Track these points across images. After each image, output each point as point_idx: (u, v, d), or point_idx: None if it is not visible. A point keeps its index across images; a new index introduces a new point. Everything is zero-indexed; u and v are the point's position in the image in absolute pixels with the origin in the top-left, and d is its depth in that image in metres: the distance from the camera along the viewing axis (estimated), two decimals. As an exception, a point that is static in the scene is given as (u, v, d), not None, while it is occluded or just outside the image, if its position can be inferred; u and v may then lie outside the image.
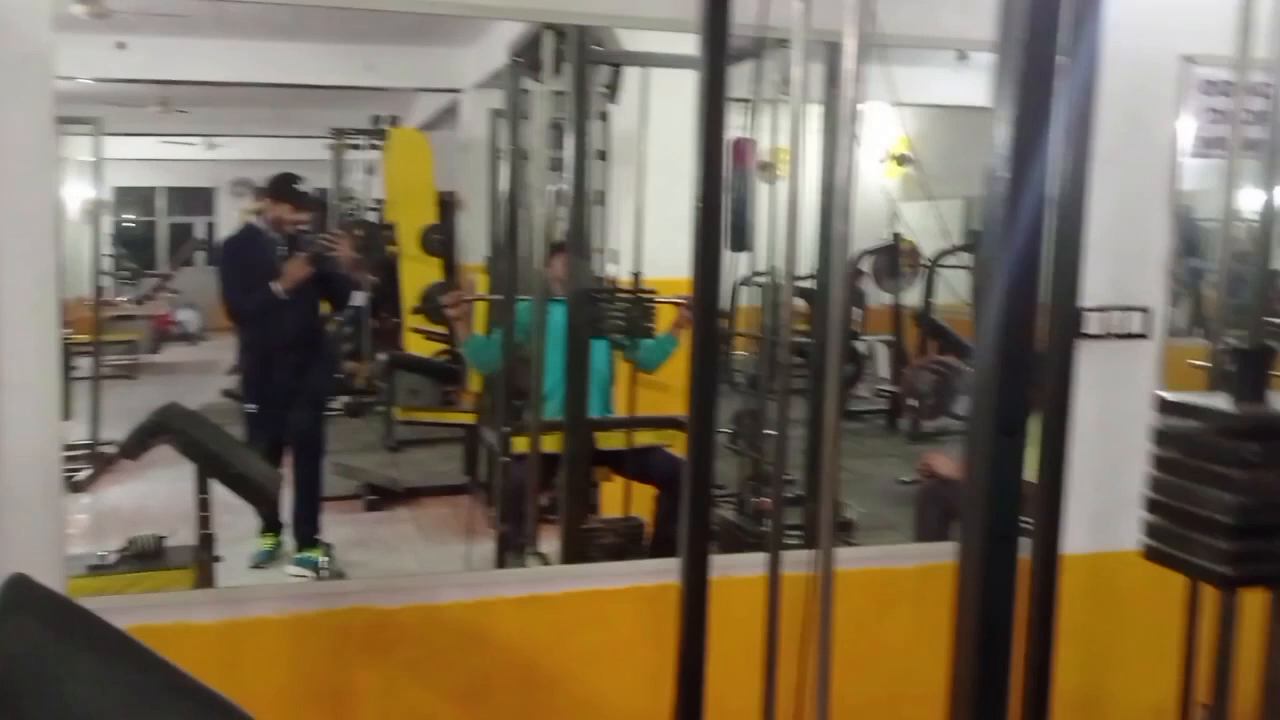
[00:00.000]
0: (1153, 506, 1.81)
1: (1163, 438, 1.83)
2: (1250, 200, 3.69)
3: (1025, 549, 2.29)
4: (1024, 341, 1.17)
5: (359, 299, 6.73)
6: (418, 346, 6.09)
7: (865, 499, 5.61)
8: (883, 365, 8.78)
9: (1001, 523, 1.21)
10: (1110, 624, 3.33)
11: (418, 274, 6.17)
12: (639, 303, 3.68)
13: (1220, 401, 1.82)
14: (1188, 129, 3.15)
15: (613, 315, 3.64)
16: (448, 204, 6.58)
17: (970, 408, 1.23)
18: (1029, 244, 1.14)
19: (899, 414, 7.78)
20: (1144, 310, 3.18)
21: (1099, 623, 3.31)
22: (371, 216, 7.74)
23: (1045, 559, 2.30)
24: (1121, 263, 3.13)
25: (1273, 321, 4.50)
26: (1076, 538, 3.08)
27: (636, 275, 3.83)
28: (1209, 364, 3.10)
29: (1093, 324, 3.12)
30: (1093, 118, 2.10)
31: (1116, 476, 3.29)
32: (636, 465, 4.01)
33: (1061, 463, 2.26)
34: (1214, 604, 2.67)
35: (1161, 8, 3.01)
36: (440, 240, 6.15)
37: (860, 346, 8.50)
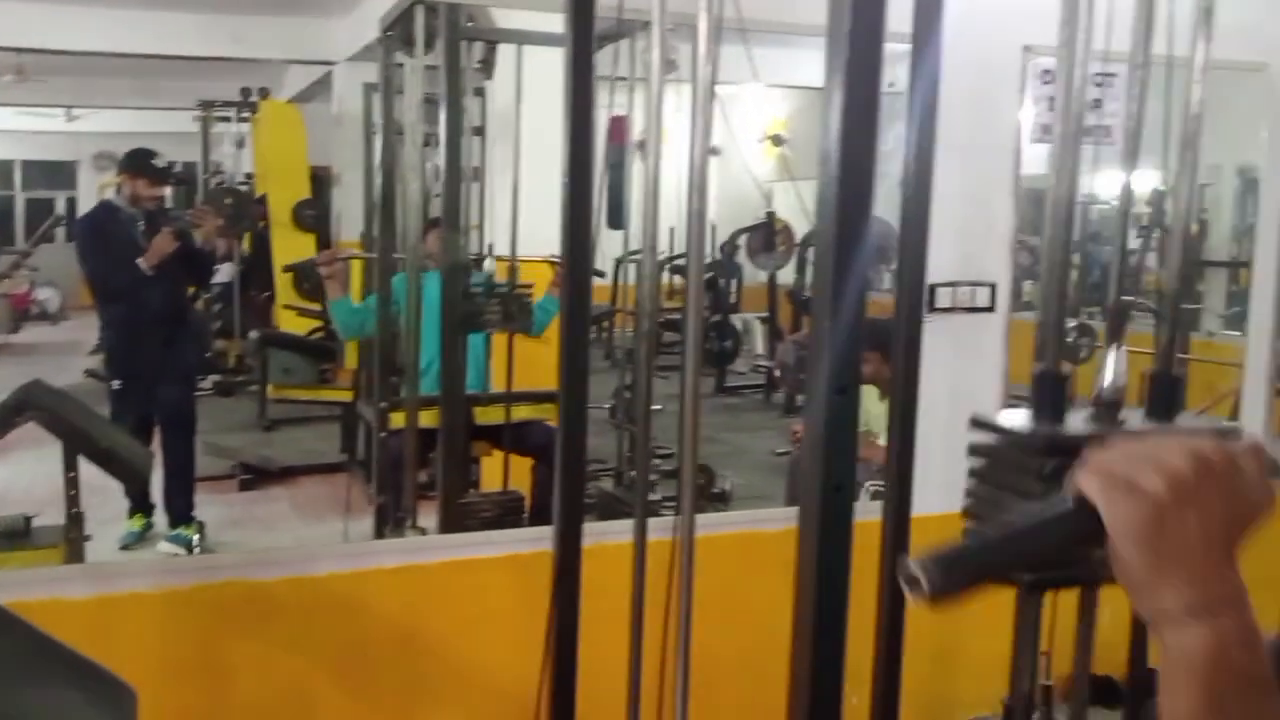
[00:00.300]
0: (966, 514, 1.97)
1: (973, 450, 1.99)
2: (1096, 184, 3.94)
3: (879, 511, 2.45)
4: (853, 309, 1.28)
5: (225, 274, 6.60)
6: (291, 324, 6.00)
7: (742, 470, 5.78)
8: (759, 342, 9.00)
9: (837, 473, 1.32)
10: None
11: (290, 250, 6.08)
12: (516, 298, 3.74)
13: (1021, 420, 1.99)
14: (1029, 116, 3.36)
15: (489, 311, 3.70)
16: (321, 178, 6.49)
17: (807, 370, 1.33)
18: (856, 220, 1.25)
19: (775, 388, 8.00)
20: (990, 285, 3.38)
21: (952, 579, 3.52)
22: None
23: (898, 518, 2.45)
24: (969, 240, 3.32)
25: (1130, 300, 4.81)
26: (930, 499, 3.28)
27: (513, 270, 3.90)
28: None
29: (943, 298, 3.30)
30: (937, 104, 2.24)
31: (966, 441, 3.50)
32: (515, 439, 4.07)
33: (912, 428, 2.41)
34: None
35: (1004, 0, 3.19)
36: (314, 215, 6.06)
37: (737, 323, 8.70)
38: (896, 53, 2.29)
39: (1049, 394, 1.98)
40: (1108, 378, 1.72)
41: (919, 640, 2.79)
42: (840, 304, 1.27)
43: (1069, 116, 2.39)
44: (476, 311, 3.65)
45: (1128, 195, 3.10)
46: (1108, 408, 1.67)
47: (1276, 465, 0.75)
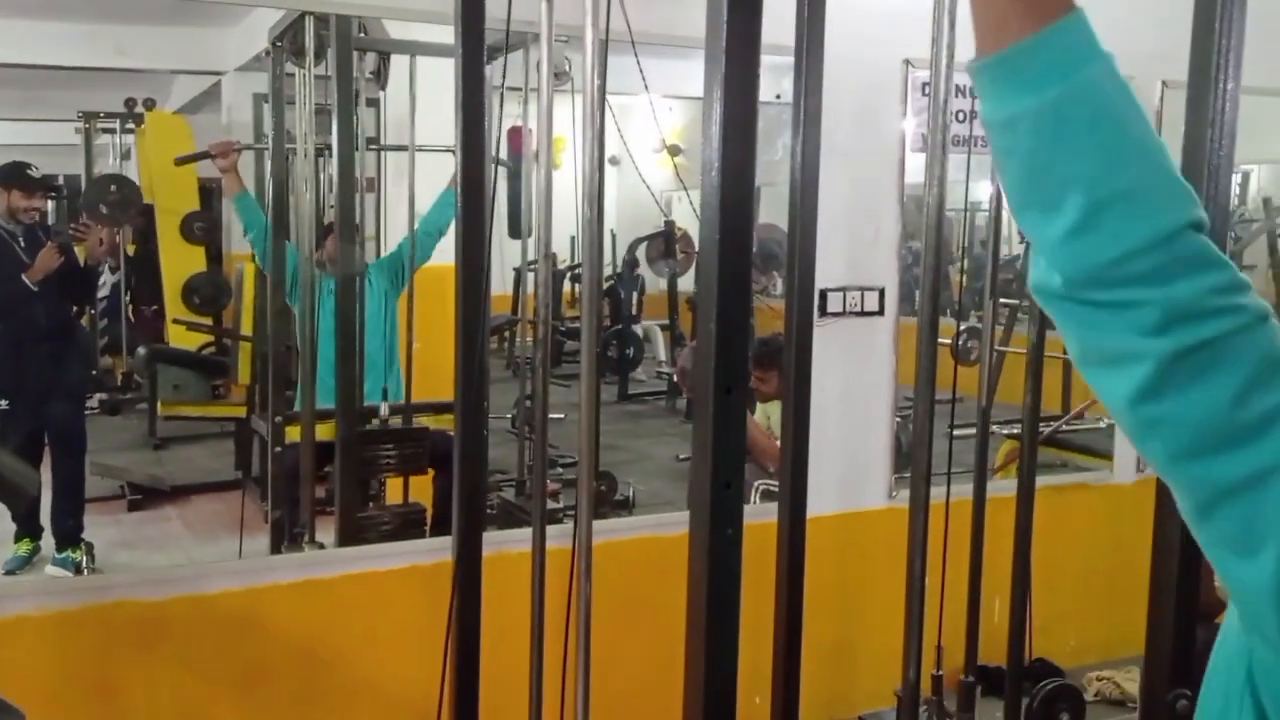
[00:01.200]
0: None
1: None
2: (981, 191, 4.09)
3: (774, 512, 2.50)
4: (738, 312, 1.33)
5: (107, 289, 6.41)
6: (182, 338, 5.86)
7: (646, 476, 5.81)
8: (661, 349, 9.06)
9: (726, 470, 1.36)
10: (856, 577, 3.63)
11: (179, 263, 5.94)
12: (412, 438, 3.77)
13: None
14: (911, 126, 3.48)
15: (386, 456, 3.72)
16: (211, 191, 6.35)
17: (696, 372, 1.37)
18: (737, 223, 1.29)
19: (677, 394, 8.06)
20: (879, 290, 3.49)
21: (848, 577, 3.61)
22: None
23: (793, 519, 2.50)
24: (857, 246, 3.42)
25: (1008, 302, 4.98)
26: (826, 500, 3.37)
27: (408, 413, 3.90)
28: (950, 341, 3.42)
29: (833, 303, 3.39)
30: (821, 114, 2.32)
31: (859, 442, 3.60)
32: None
33: (806, 430, 2.47)
34: (939, 563, 2.97)
35: (886, 16, 3.30)
36: (203, 228, 5.93)
37: (638, 331, 8.75)
38: (785, 65, 2.37)
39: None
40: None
41: (818, 639, 2.86)
42: (725, 306, 1.31)
43: (938, 126, 2.50)
44: (373, 458, 3.66)
45: (997, 202, 3.25)
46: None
47: None
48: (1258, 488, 0.74)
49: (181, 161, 4.90)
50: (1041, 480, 3.33)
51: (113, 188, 5.88)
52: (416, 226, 4.10)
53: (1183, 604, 1.63)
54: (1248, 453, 0.74)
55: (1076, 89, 0.77)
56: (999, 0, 0.78)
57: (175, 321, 5.79)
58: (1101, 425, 5.17)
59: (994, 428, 3.25)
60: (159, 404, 5.82)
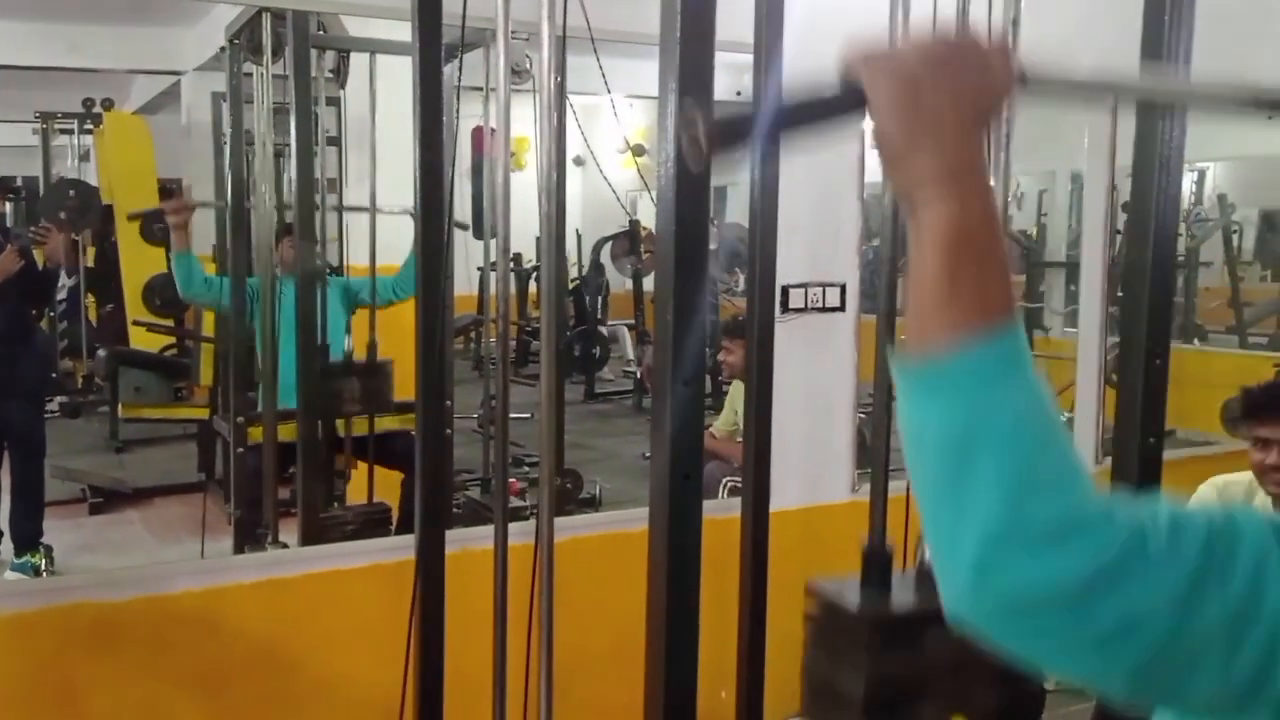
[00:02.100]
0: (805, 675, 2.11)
1: (809, 619, 2.14)
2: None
3: (738, 507, 2.52)
4: (695, 305, 1.34)
5: (64, 291, 6.35)
6: (142, 340, 5.80)
7: (612, 475, 5.82)
8: (628, 348, 9.08)
9: (685, 462, 1.37)
10: (820, 571, 3.64)
11: (139, 264, 5.88)
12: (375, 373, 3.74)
13: (852, 592, 2.15)
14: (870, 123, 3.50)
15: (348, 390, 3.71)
16: (171, 191, 6.30)
17: (654, 365, 1.38)
18: (694, 217, 1.30)
19: (644, 393, 8.08)
20: (840, 286, 3.51)
21: (812, 570, 3.62)
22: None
23: (756, 513, 2.52)
24: (818, 243, 3.44)
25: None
26: (789, 494, 3.38)
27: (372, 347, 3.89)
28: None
29: (795, 299, 3.41)
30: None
31: (822, 436, 3.62)
32: (380, 451, 4.02)
33: (768, 425, 2.49)
34: (901, 556, 2.99)
35: (845, 12, 3.32)
36: (164, 229, 5.86)
37: (604, 330, 8.76)
38: (745, 63, 2.38)
39: (877, 571, 2.15)
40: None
41: (783, 633, 2.87)
42: (682, 299, 1.32)
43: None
44: (334, 392, 3.65)
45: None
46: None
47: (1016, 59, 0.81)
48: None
49: (134, 218, 4.90)
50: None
51: (71, 193, 5.83)
52: (383, 280, 4.06)
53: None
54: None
55: (980, 413, 0.76)
56: (928, 305, 0.77)
57: (136, 323, 5.74)
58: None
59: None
60: (120, 406, 5.77)
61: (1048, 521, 0.74)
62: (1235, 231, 7.96)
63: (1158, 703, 0.80)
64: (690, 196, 1.31)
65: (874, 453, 2.80)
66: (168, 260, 5.89)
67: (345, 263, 4.51)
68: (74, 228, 5.42)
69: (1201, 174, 7.82)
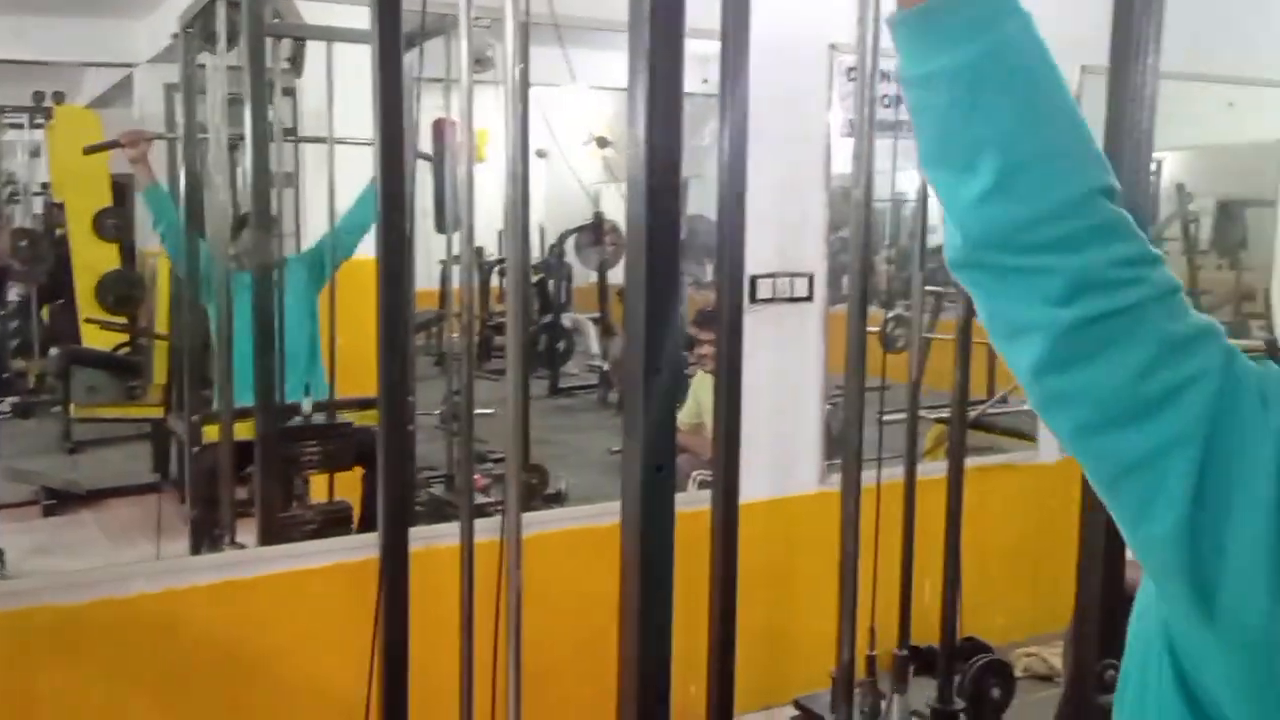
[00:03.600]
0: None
1: None
2: (906, 182, 4.12)
3: (708, 500, 2.49)
4: (666, 292, 1.30)
5: (15, 292, 6.22)
6: (95, 338, 5.68)
7: (578, 470, 5.77)
8: (593, 342, 9.03)
9: (657, 452, 1.34)
10: (789, 562, 3.64)
11: (92, 261, 5.76)
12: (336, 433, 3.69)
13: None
14: (837, 112, 3.49)
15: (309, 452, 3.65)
16: (124, 186, 6.17)
17: (626, 356, 1.34)
18: (664, 201, 1.27)
19: (609, 387, 8.04)
20: (808, 276, 3.49)
21: (781, 562, 3.61)
22: (37, 202, 7.14)
23: (726, 505, 2.49)
24: (785, 233, 3.42)
25: (934, 289, 5.04)
26: (759, 485, 3.37)
27: (332, 409, 3.81)
28: (879, 329, 3.45)
29: (763, 289, 3.39)
30: (748, 99, 2.30)
31: (791, 427, 3.61)
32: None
33: (738, 416, 2.46)
34: (872, 546, 2.98)
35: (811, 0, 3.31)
36: (116, 225, 5.75)
37: (568, 323, 8.70)
38: (710, 53, 2.35)
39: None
40: None
41: (752, 625, 2.85)
42: (654, 288, 1.28)
43: (865, 111, 2.50)
44: (295, 456, 3.58)
45: (925, 189, 3.26)
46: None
47: None
48: (1160, 462, 0.74)
49: (90, 150, 4.73)
50: (969, 462, 3.36)
51: (23, 243, 5.75)
52: (337, 223, 4.01)
53: (1109, 579, 1.65)
54: (1151, 427, 0.74)
55: (994, 47, 0.76)
56: None
57: (88, 321, 5.62)
58: (1025, 407, 5.25)
59: (922, 412, 3.28)
60: (73, 406, 5.65)
61: (1068, 151, 0.76)
62: (1193, 221, 8.04)
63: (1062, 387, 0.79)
64: (661, 186, 1.27)
65: (846, 444, 2.78)
66: (121, 256, 5.79)
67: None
68: (28, 277, 5.30)
69: (1159, 164, 7.89)
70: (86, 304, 5.73)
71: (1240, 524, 0.73)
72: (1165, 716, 0.83)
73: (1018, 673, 3.70)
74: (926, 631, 3.33)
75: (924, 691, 3.29)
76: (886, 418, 3.53)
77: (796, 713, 3.42)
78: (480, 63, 3.35)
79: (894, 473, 3.20)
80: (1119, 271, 0.75)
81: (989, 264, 0.77)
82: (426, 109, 4.07)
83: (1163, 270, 0.77)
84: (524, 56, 1.97)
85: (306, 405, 3.80)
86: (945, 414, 4.25)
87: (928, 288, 3.68)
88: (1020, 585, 4.09)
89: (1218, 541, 0.73)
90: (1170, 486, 0.74)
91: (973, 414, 4.03)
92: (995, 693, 2.84)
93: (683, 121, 1.31)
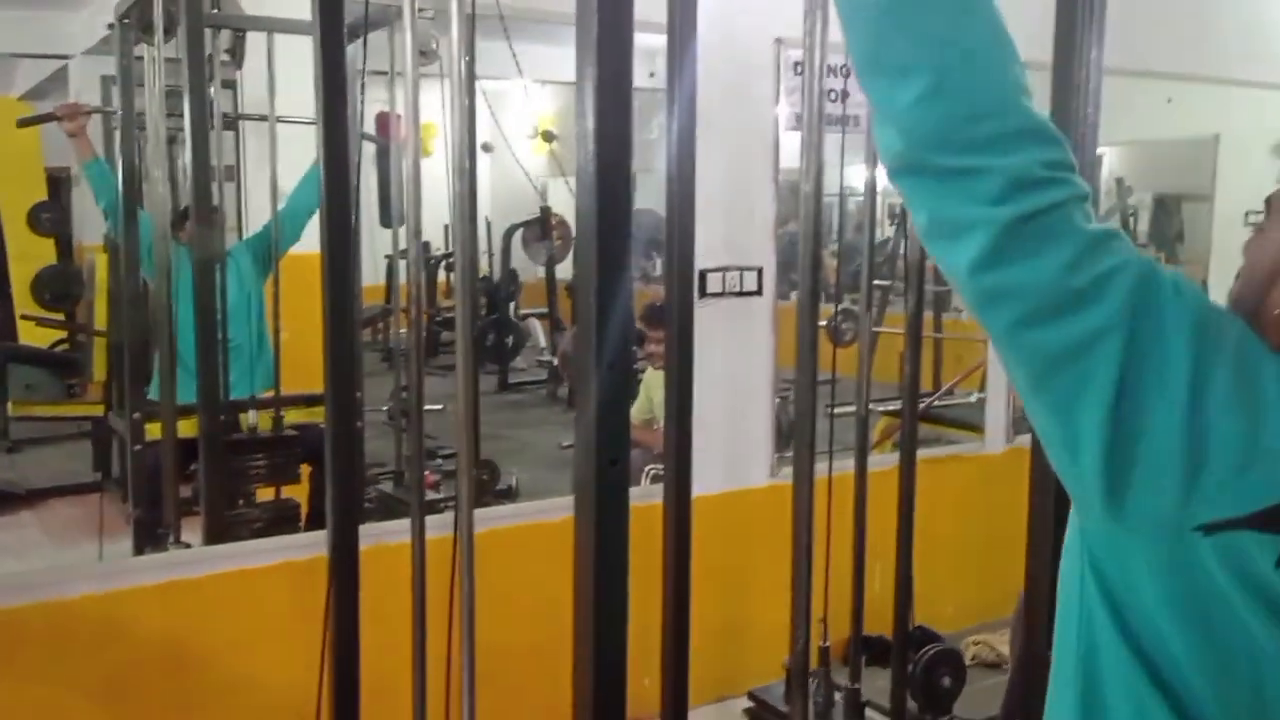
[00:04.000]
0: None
1: None
2: (852, 177, 4.14)
3: (660, 494, 2.49)
4: (617, 286, 1.29)
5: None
6: (32, 336, 5.55)
7: (528, 465, 5.75)
8: (541, 337, 9.00)
9: (610, 448, 1.33)
10: (741, 555, 3.65)
11: (28, 257, 5.62)
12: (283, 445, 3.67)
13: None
14: (784, 106, 3.50)
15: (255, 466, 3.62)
16: (59, 180, 6.04)
17: (577, 349, 1.33)
18: (615, 193, 1.26)
19: (559, 382, 8.01)
20: (757, 270, 3.50)
21: (733, 555, 3.62)
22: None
23: (679, 499, 2.49)
24: (734, 227, 3.43)
25: (881, 284, 5.07)
26: (710, 479, 3.37)
27: (278, 419, 3.80)
28: (826, 322, 3.46)
29: (713, 283, 3.39)
30: (695, 93, 2.30)
31: (742, 421, 3.62)
32: (288, 444, 3.89)
33: (689, 411, 2.46)
34: (824, 537, 3.00)
35: (759, -7, 3.31)
36: (52, 219, 5.62)
37: (516, 319, 8.66)
38: (657, 47, 2.34)
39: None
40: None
41: (705, 619, 2.86)
42: (605, 280, 1.27)
43: (813, 104, 2.51)
44: (241, 469, 3.54)
45: (873, 184, 3.28)
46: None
47: None
48: (1087, 351, 0.78)
49: (25, 123, 4.60)
50: (918, 453, 3.40)
51: None
52: (282, 207, 3.95)
53: (1058, 567, 1.66)
54: (1080, 317, 0.78)
55: None
56: None
57: (24, 318, 5.49)
58: (973, 400, 5.33)
59: (870, 405, 3.31)
60: (10, 404, 5.52)
61: (998, 50, 0.80)
62: (1131, 214, 8.18)
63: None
64: (611, 180, 1.26)
65: (799, 436, 2.80)
66: (58, 251, 5.66)
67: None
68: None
69: (1100, 158, 8.02)
70: (22, 300, 5.60)
71: (1159, 411, 0.77)
72: (1091, 634, 0.87)
73: (967, 661, 3.75)
74: (876, 622, 3.36)
75: (875, 681, 3.32)
76: (836, 410, 3.55)
77: (750, 704, 3.44)
78: (425, 55, 3.32)
79: (843, 465, 3.22)
80: (1049, 172, 0.79)
81: (930, 165, 0.80)
82: (370, 102, 4.02)
83: (1079, 177, 0.82)
84: (470, 49, 1.95)
85: (252, 418, 3.75)
86: (892, 406, 4.29)
87: (875, 282, 3.71)
88: (967, 574, 4.14)
89: (1136, 429, 0.77)
90: (1097, 376, 0.78)
91: (922, 405, 4.08)
92: (946, 682, 2.87)
93: (633, 114, 1.31)
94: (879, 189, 3.33)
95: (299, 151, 3.83)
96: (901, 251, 4.06)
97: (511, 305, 8.56)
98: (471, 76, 1.96)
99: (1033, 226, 0.79)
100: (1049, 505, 1.73)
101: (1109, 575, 0.85)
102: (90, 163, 3.88)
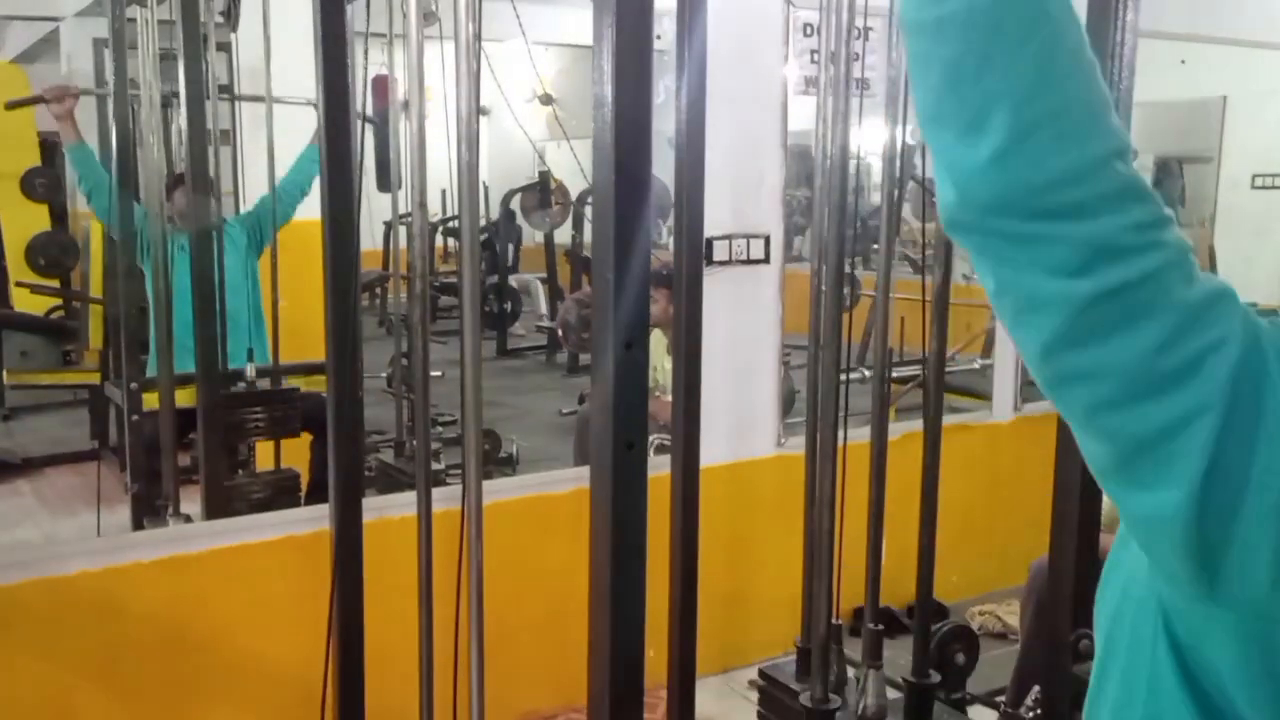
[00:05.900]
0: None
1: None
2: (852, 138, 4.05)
3: (667, 465, 2.45)
4: (637, 261, 1.24)
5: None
6: (27, 303, 5.49)
7: (528, 432, 5.72)
8: (540, 302, 8.94)
9: (629, 431, 1.28)
10: (748, 527, 3.61)
11: (21, 223, 5.55)
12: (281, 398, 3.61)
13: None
14: (793, 69, 3.42)
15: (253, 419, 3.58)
16: (52, 145, 5.95)
17: (594, 326, 1.28)
18: (635, 168, 1.20)
19: (558, 348, 7.97)
20: (764, 237, 3.44)
21: (739, 526, 3.59)
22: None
23: (686, 470, 2.45)
24: (741, 194, 3.36)
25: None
26: (716, 450, 3.33)
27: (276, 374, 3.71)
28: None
29: (720, 251, 3.33)
30: (706, 57, 2.23)
31: (748, 390, 3.57)
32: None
33: (697, 381, 2.41)
34: (835, 506, 2.96)
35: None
36: (45, 184, 5.54)
37: (516, 284, 8.60)
38: (663, 7, 2.27)
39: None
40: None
41: (712, 590, 2.83)
42: (623, 255, 1.22)
43: (841, 66, 2.44)
44: (239, 422, 3.48)
45: (893, 147, 3.20)
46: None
47: None
48: (1179, 434, 0.70)
49: (12, 105, 4.52)
50: (920, 423, 3.35)
51: None
52: (278, 184, 3.88)
53: (1083, 546, 1.63)
54: (1172, 400, 0.69)
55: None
56: None
57: (19, 284, 5.43)
58: (976, 366, 5.29)
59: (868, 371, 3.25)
60: (5, 372, 5.48)
61: (1085, 110, 0.70)
62: (1135, 177, 8.11)
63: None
64: (630, 145, 1.20)
65: (823, 405, 2.75)
66: (51, 217, 5.58)
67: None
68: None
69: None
70: (16, 267, 5.54)
71: (1255, 492, 0.69)
72: (1158, 695, 0.81)
73: (974, 627, 3.73)
74: (886, 593, 3.33)
75: (892, 658, 3.29)
76: (841, 377, 3.50)
77: (761, 681, 3.40)
78: (426, 17, 3.24)
79: (856, 433, 3.18)
80: (1135, 237, 0.69)
81: (993, 229, 0.71)
82: (371, 64, 3.94)
83: (1175, 231, 0.72)
84: (477, 14, 1.88)
85: (250, 371, 3.70)
86: (899, 373, 4.24)
87: (874, 246, 3.64)
88: (974, 543, 4.12)
89: (1228, 512, 0.69)
90: (1188, 458, 0.69)
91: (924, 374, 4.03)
92: (960, 658, 2.85)
93: (652, 81, 1.25)
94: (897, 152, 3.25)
95: (297, 116, 3.76)
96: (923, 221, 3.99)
97: (512, 270, 8.51)
98: (479, 41, 1.89)
99: (1119, 303, 0.69)
100: (1075, 482, 1.69)
101: (1189, 644, 0.79)
102: (75, 145, 3.80)
